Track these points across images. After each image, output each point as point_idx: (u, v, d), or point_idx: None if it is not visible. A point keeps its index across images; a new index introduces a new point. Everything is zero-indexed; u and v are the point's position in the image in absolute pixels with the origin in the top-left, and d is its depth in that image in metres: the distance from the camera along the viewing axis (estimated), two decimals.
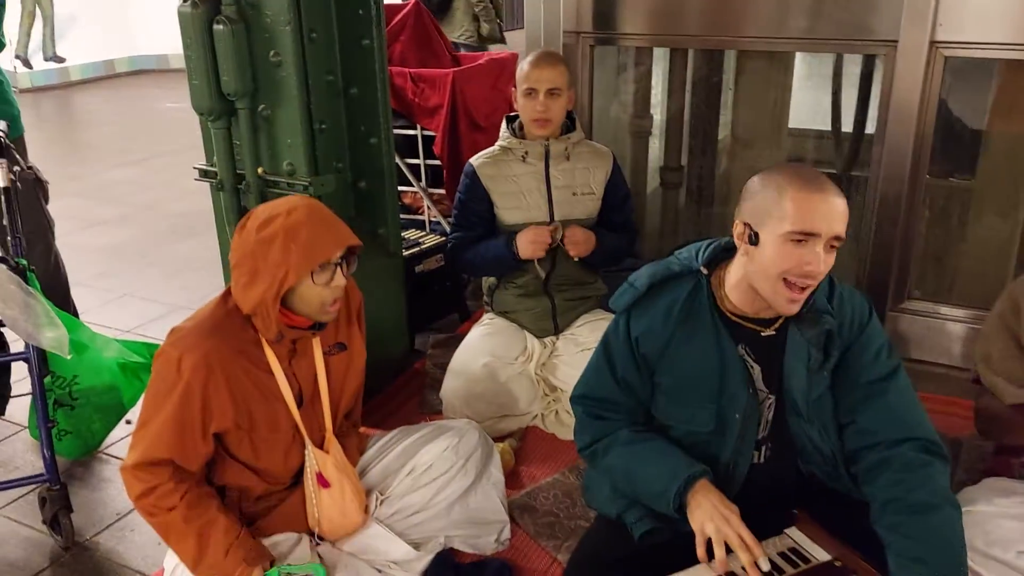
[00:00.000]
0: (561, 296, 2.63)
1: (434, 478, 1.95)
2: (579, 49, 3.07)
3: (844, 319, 1.64)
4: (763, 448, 1.68)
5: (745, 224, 1.55)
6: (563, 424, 2.50)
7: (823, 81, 3.22)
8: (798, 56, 3.02)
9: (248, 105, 2.35)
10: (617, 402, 1.74)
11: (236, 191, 2.47)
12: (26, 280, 2.01)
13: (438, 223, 3.56)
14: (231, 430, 1.73)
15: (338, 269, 1.72)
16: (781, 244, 1.49)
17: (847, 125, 3.19)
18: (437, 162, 3.44)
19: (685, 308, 1.65)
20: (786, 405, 1.65)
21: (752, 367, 1.64)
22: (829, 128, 3.24)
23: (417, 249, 3.09)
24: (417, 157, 3.49)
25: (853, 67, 3.14)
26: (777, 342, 1.63)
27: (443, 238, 3.23)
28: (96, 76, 10.15)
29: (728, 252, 1.67)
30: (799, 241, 1.47)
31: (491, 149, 2.64)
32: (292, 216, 1.68)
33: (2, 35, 2.47)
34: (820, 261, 1.47)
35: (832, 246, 1.49)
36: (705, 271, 1.67)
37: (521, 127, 2.59)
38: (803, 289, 1.51)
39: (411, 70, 3.31)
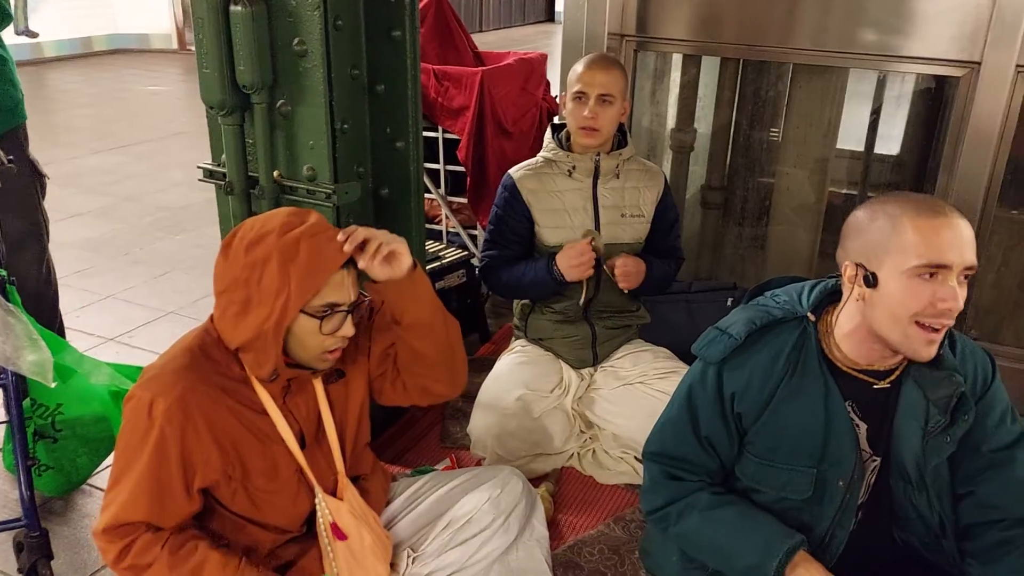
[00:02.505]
0: (602, 324, 2.39)
1: (474, 534, 1.69)
2: (621, 53, 2.82)
3: (967, 377, 1.45)
4: (858, 514, 1.49)
5: (857, 265, 1.36)
6: (602, 466, 2.27)
7: (879, 100, 3.01)
8: (852, 73, 2.80)
9: (265, 99, 2.07)
10: (697, 462, 1.53)
11: (247, 196, 2.19)
12: (5, 294, 1.73)
13: (457, 234, 3.30)
14: (220, 482, 1.46)
15: (348, 317, 1.46)
16: (907, 282, 1.30)
17: (905, 149, 2.98)
18: (458, 167, 3.18)
19: (791, 360, 1.44)
20: (892, 469, 1.46)
21: (858, 425, 1.45)
22: (884, 151, 3.03)
23: (437, 264, 2.83)
24: (436, 161, 3.22)
25: (909, 86, 2.93)
26: (890, 397, 1.44)
27: (464, 252, 2.97)
28: (72, 53, 9.73)
29: (833, 295, 1.47)
30: (929, 276, 1.29)
31: (533, 160, 2.39)
32: (287, 234, 1.42)
33: (8, 7, 2.17)
34: (956, 296, 1.29)
35: (965, 277, 1.31)
36: (812, 317, 1.45)
37: (568, 138, 2.34)
38: (938, 329, 1.32)
39: (435, 67, 3.05)
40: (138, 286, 3.57)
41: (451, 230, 3.34)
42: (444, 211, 3.30)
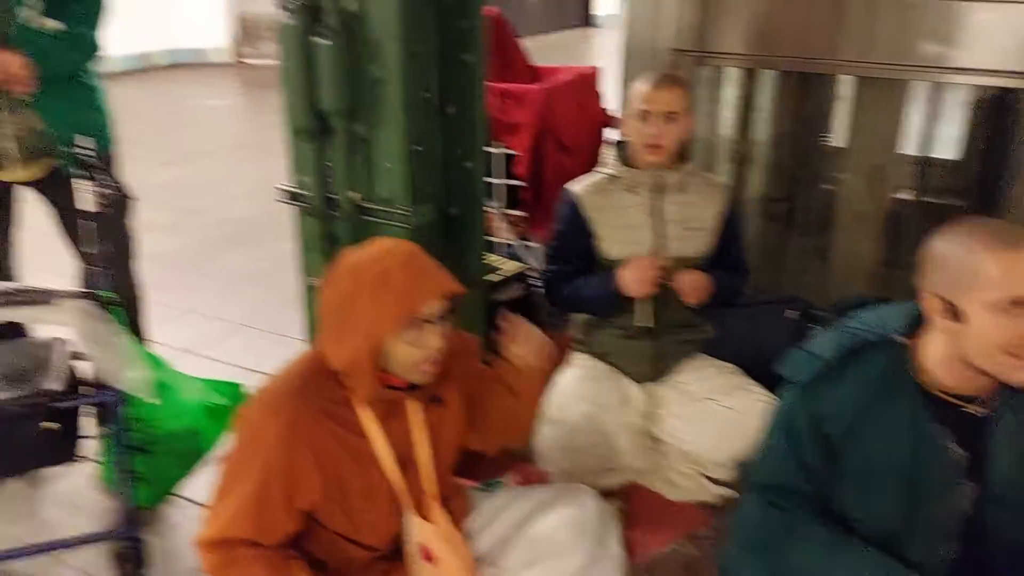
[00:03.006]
0: (666, 339, 2.43)
1: (553, 552, 1.74)
2: (681, 68, 2.86)
3: None
4: (957, 543, 1.48)
5: (939, 298, 1.36)
6: (672, 484, 2.30)
7: (939, 107, 3.00)
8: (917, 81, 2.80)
9: (345, 124, 2.16)
10: (798, 490, 1.52)
11: (326, 217, 2.28)
12: (111, 315, 1.83)
13: (512, 247, 3.36)
14: (321, 504, 1.55)
15: (427, 326, 1.52)
16: (992, 316, 1.29)
17: (968, 155, 2.97)
18: (514, 181, 3.24)
19: (882, 384, 1.44)
20: (988, 495, 1.44)
21: (952, 451, 1.44)
22: (945, 157, 3.02)
23: (497, 277, 2.90)
24: (491, 175, 3.30)
25: (971, 93, 2.92)
26: (985, 421, 1.43)
27: (522, 265, 3.04)
28: (132, 68, 10.03)
29: (923, 317, 1.46)
30: (1014, 309, 1.28)
31: (595, 176, 2.44)
32: (384, 262, 1.50)
33: (95, 39, 2.29)
34: None
35: None
36: (902, 341, 1.46)
37: (629, 153, 2.39)
38: None
39: (497, 85, 3.12)
40: (209, 299, 3.70)
41: (508, 242, 3.41)
42: (501, 224, 3.37)
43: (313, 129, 2.16)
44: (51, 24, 2.14)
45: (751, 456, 1.64)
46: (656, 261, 2.25)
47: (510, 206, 3.31)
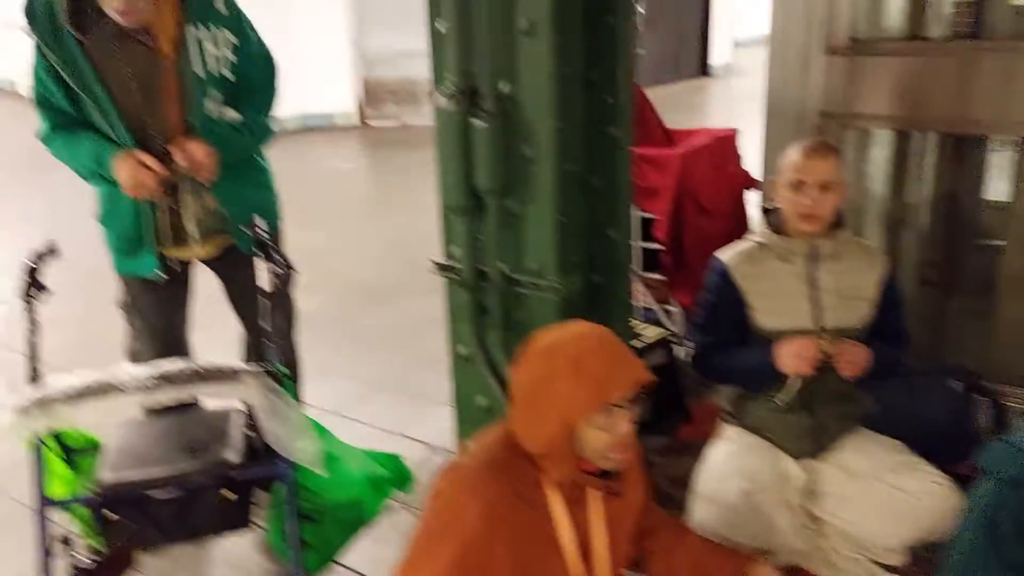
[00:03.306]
0: (824, 412, 2.33)
1: None
2: (828, 131, 2.81)
3: None
4: None
5: None
6: (836, 568, 2.19)
7: None
8: None
9: (498, 201, 2.22)
10: None
11: (477, 288, 2.33)
12: (283, 388, 1.92)
13: (651, 311, 3.34)
14: None
15: (618, 411, 1.52)
16: None
17: None
18: (653, 245, 3.23)
19: None
20: None
21: None
22: None
23: (640, 343, 2.88)
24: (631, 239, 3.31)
25: None
26: None
27: (663, 331, 3.01)
28: None
29: None
30: None
31: (743, 245, 2.40)
32: (579, 346, 1.52)
33: (269, 126, 2.45)
34: None
35: None
36: None
37: (781, 221, 2.34)
38: None
39: (635, 149, 3.13)
40: (349, 360, 3.82)
41: (645, 306, 3.39)
42: (640, 288, 3.36)
43: (468, 206, 2.22)
44: (231, 114, 2.30)
45: (943, 552, 1.54)
46: (816, 341, 2.19)
47: (649, 270, 3.30)
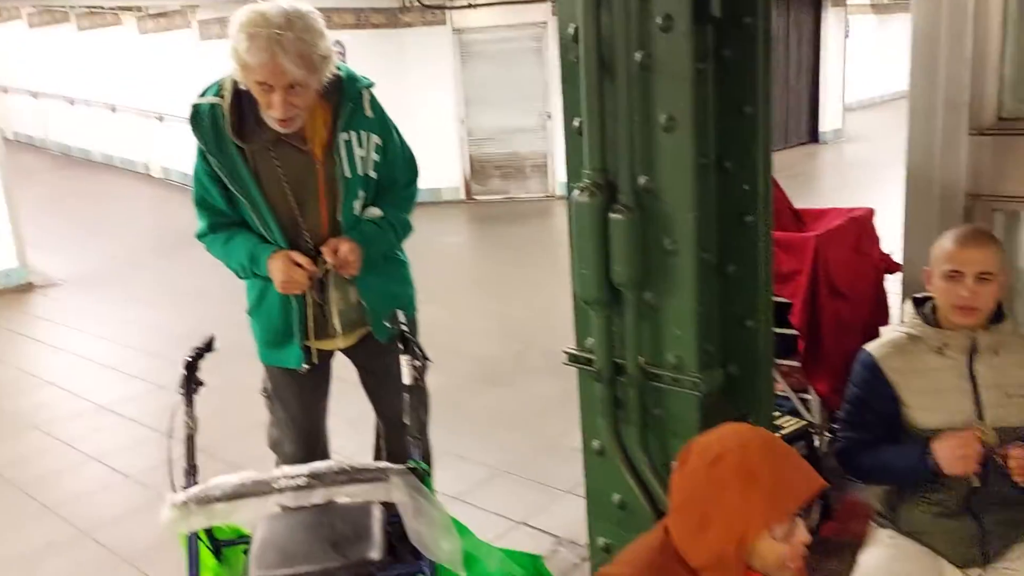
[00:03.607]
0: (991, 518, 2.16)
1: None
2: (977, 214, 2.67)
3: None
4: None
5: None
6: None
7: None
8: None
9: (636, 294, 2.19)
10: None
11: (613, 382, 2.29)
12: (426, 485, 1.92)
13: (786, 398, 3.21)
14: None
15: (796, 521, 1.44)
16: None
17: None
18: (785, 330, 3.12)
19: None
20: None
21: None
22: None
23: (778, 435, 2.75)
24: None
25: None
26: None
27: (801, 421, 2.88)
28: None
29: None
30: None
31: (892, 336, 2.29)
32: (747, 453, 1.45)
33: (410, 222, 2.53)
34: None
35: None
36: None
37: (934, 311, 2.23)
38: None
39: None
40: (469, 442, 3.81)
41: (780, 393, 3.26)
42: (774, 375, 3.24)
43: (604, 299, 2.20)
44: (375, 212, 2.38)
45: None
46: (978, 438, 2.04)
47: (784, 357, 3.18)
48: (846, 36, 14.31)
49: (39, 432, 4.37)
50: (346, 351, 2.52)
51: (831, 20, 13.74)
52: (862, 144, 13.81)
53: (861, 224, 3.20)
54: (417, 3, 10.24)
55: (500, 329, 5.60)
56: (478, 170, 10.82)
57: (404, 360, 2.11)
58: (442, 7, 10.31)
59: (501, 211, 10.19)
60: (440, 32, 10.40)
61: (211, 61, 10.94)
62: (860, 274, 3.08)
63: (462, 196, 10.89)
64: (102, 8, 12.14)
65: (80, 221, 10.27)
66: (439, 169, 11.05)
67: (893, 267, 3.21)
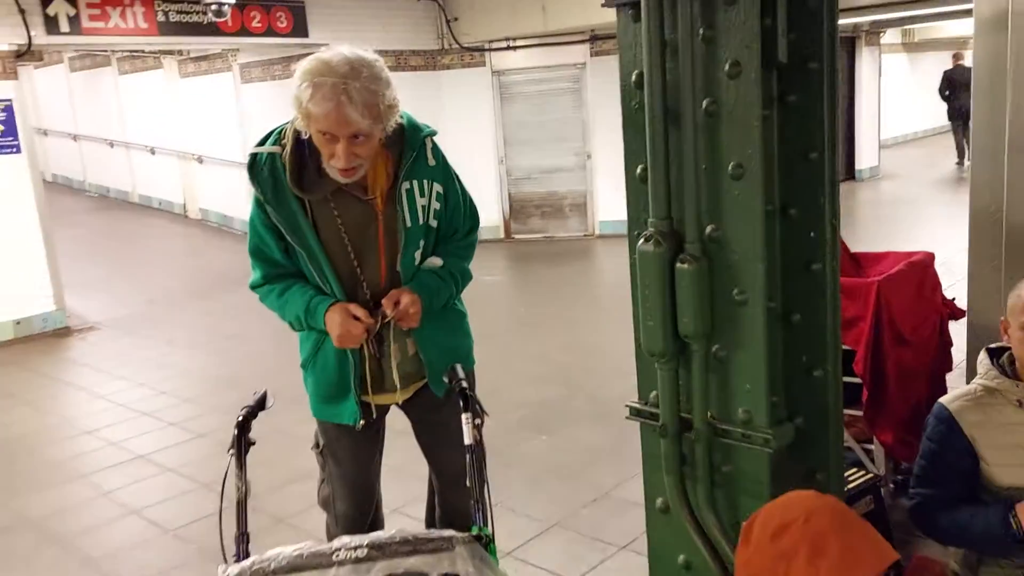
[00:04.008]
0: None
1: None
2: None
3: None
4: None
5: None
6: None
7: None
8: None
9: (703, 346, 2.11)
10: None
11: (679, 437, 2.20)
12: (491, 553, 1.83)
13: (849, 449, 3.09)
14: None
15: None
16: None
17: None
18: (850, 379, 3.01)
19: None
20: None
21: None
22: None
23: (845, 489, 2.64)
24: None
25: None
26: None
27: (868, 475, 2.76)
28: None
29: None
30: None
31: (969, 389, 2.19)
32: (812, 524, 1.39)
33: (469, 271, 2.47)
34: None
35: None
36: None
37: (1011, 363, 2.13)
38: None
39: None
40: (517, 493, 3.71)
41: (845, 446, 3.14)
42: None
43: (671, 351, 2.12)
44: (435, 261, 2.32)
45: None
46: None
47: (847, 406, 3.07)
48: (879, 75, 14.23)
49: (79, 483, 4.35)
50: (401, 404, 2.45)
51: (865, 59, 13.67)
52: (898, 181, 13.65)
53: (922, 268, 3.10)
54: (456, 45, 10.35)
55: (543, 373, 5.51)
56: (517, 209, 10.84)
57: (465, 418, 2.03)
58: (481, 49, 10.41)
59: (540, 250, 10.16)
60: (479, 73, 10.51)
61: (251, 104, 11.12)
62: (923, 320, 2.97)
63: (501, 235, 10.89)
64: (143, 52, 12.41)
65: (118, 263, 10.40)
66: (478, 208, 11.07)
67: (957, 313, 3.10)
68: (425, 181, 2.26)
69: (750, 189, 2.00)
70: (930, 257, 3.18)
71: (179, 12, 8.67)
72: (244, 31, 9.06)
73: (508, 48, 10.32)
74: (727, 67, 1.97)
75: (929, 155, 15.81)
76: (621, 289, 8.03)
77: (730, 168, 2.01)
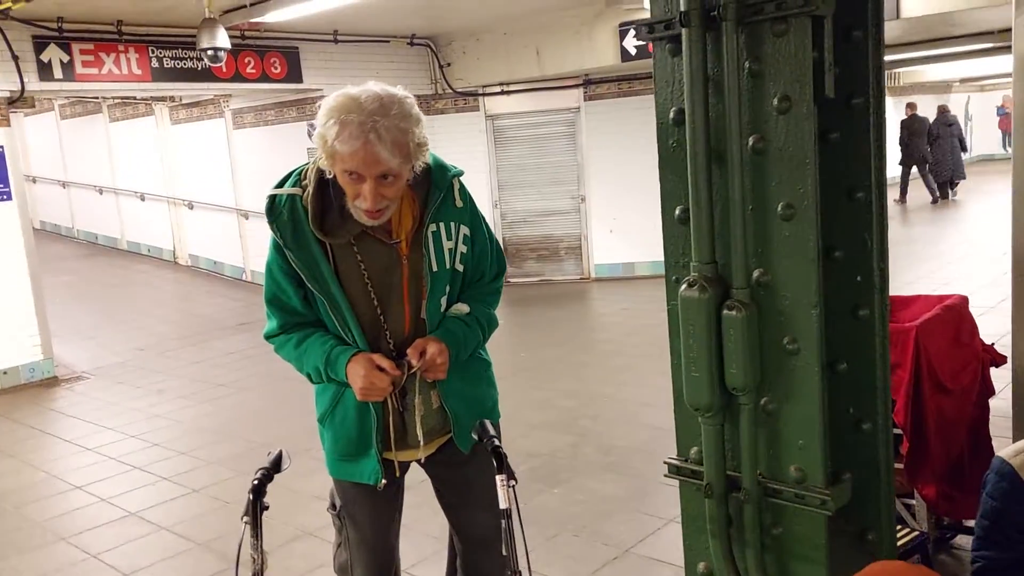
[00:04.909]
0: None
1: None
2: None
3: None
4: None
5: None
6: None
7: None
8: None
9: (753, 399, 1.96)
10: None
11: (725, 498, 2.05)
12: None
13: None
14: None
15: None
16: None
17: None
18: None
19: None
20: None
21: None
22: None
23: (896, 550, 2.48)
24: None
25: None
26: None
27: (912, 532, 2.60)
28: None
29: None
30: None
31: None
32: None
33: (495, 318, 2.32)
34: None
35: None
36: None
37: None
38: None
39: None
40: (533, 551, 3.51)
41: None
42: None
43: (718, 405, 1.98)
44: (462, 308, 2.18)
45: None
46: None
47: None
48: None
49: (66, 544, 4.11)
50: (422, 461, 2.29)
51: None
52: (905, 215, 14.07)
53: (958, 312, 2.98)
54: (450, 90, 10.34)
55: (550, 420, 5.34)
56: (512, 252, 10.78)
57: (499, 480, 1.87)
58: (475, 94, 10.40)
59: (536, 293, 10.06)
60: (473, 118, 10.52)
61: (243, 149, 11.05)
62: (963, 366, 2.85)
63: None
64: (135, 99, 12.34)
65: (106, 310, 10.20)
66: None
67: (998, 359, 2.97)
68: (452, 223, 2.14)
69: (802, 230, 1.87)
70: (964, 301, 3.06)
71: (173, 58, 8.62)
72: (238, 77, 9.00)
73: (502, 93, 10.32)
74: (776, 102, 1.85)
75: (924, 195, 16.08)
76: (621, 333, 7.99)
77: (779, 208, 1.89)
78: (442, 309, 2.16)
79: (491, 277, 2.30)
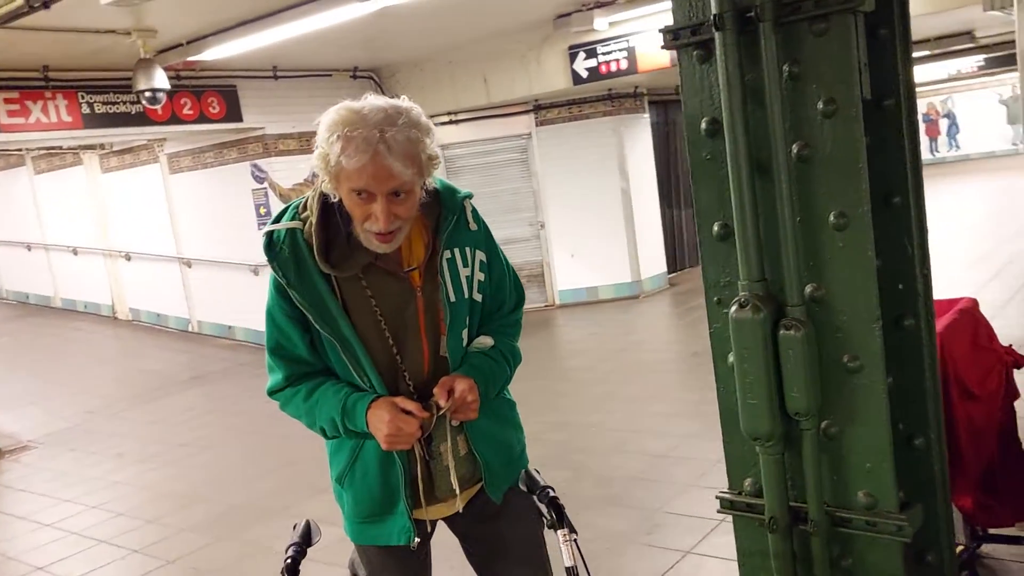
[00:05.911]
0: None
1: None
2: None
3: None
4: None
5: None
6: None
7: None
8: None
9: (814, 423, 1.83)
10: None
11: (789, 532, 1.90)
12: None
13: None
14: None
15: None
16: None
17: None
18: None
19: None
20: None
21: None
22: None
23: (955, 570, 2.37)
24: None
25: None
26: None
27: (959, 547, 2.49)
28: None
29: None
30: None
31: None
32: None
33: (519, 351, 2.15)
34: None
35: None
36: None
37: None
38: None
39: None
40: None
41: None
42: None
43: (779, 433, 1.84)
44: (486, 342, 2.00)
45: None
46: None
47: None
48: None
49: None
50: (450, 520, 2.09)
51: None
52: None
53: (972, 316, 2.92)
54: None
55: (543, 455, 5.12)
56: None
57: (561, 535, 1.69)
58: None
59: (529, 319, 9.87)
60: None
61: (181, 195, 10.66)
62: (988, 371, 2.77)
63: None
64: (61, 148, 11.84)
65: (46, 373, 9.65)
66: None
67: (1021, 360, 2.91)
68: (467, 248, 1.97)
69: (858, 239, 1.76)
70: (974, 303, 3.00)
71: (105, 103, 8.26)
72: (175, 119, 8.69)
73: (451, 123, 10.20)
74: (821, 105, 1.74)
75: None
76: (594, 359, 7.82)
77: (832, 217, 1.77)
78: (464, 344, 1.98)
79: (511, 307, 2.13)
